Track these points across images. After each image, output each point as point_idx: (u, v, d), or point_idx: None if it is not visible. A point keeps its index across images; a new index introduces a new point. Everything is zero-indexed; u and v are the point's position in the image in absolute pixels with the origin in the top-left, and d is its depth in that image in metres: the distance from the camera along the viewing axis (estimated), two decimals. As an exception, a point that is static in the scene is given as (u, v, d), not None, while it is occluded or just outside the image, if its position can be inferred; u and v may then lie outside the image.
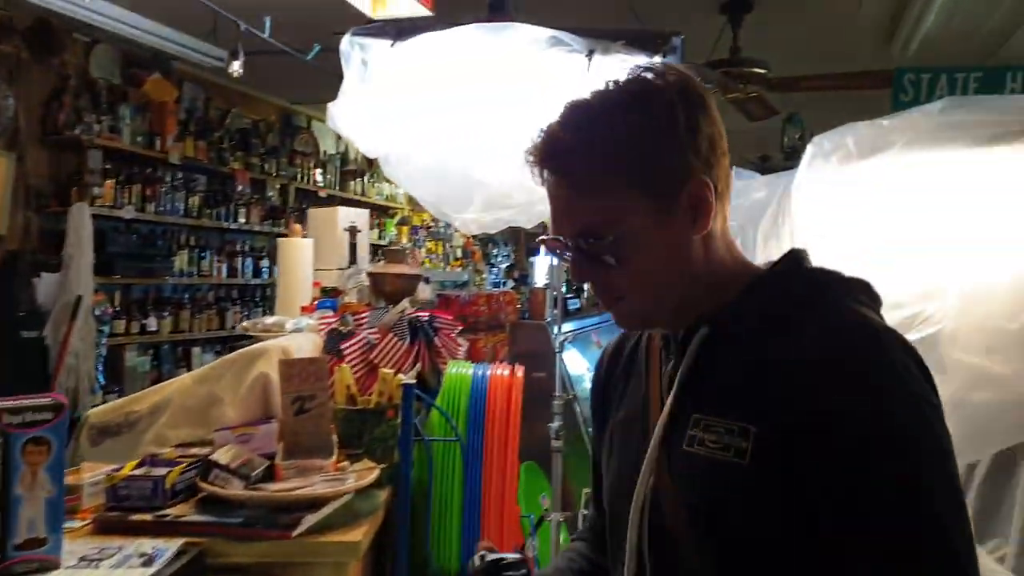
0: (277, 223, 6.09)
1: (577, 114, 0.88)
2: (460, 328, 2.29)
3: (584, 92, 0.90)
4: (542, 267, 4.13)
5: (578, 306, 6.13)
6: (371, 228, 7.57)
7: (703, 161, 0.87)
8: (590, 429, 4.50)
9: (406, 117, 2.60)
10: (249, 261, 5.94)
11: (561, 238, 0.90)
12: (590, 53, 2.34)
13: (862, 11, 4.34)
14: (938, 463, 0.75)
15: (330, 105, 2.64)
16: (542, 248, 1.02)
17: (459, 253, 9.74)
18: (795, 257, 0.92)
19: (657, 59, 2.43)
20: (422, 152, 2.57)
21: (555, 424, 3.34)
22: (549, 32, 2.38)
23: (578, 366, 5.05)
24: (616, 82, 0.88)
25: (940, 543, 0.72)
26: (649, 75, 0.88)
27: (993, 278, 1.17)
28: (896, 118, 1.48)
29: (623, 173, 0.85)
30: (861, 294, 0.87)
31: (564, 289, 6.43)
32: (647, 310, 0.91)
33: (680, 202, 0.86)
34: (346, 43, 2.63)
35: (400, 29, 2.58)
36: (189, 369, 4.60)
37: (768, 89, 4.54)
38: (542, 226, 3.75)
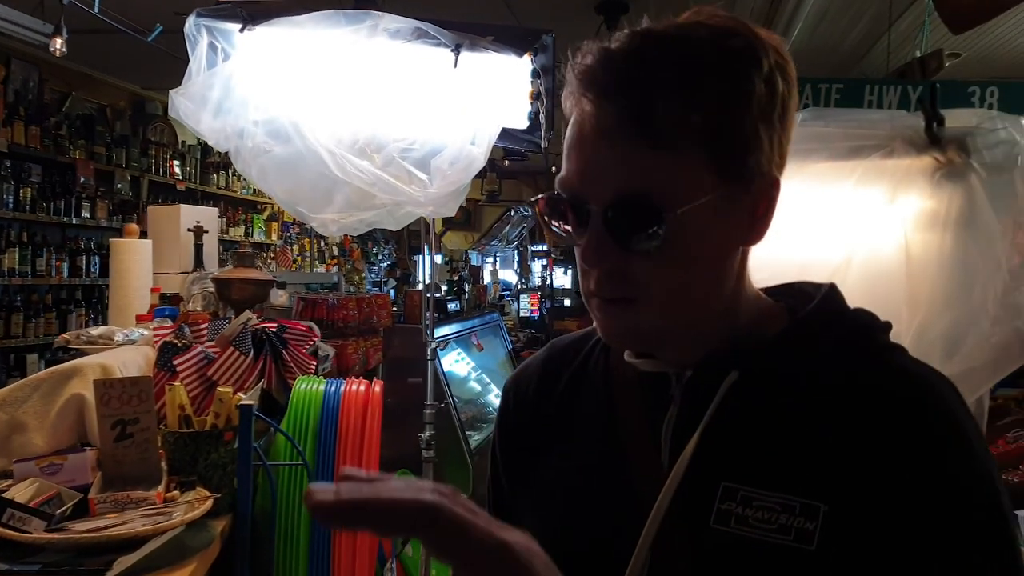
0: (128, 218, 5.60)
1: (663, 45, 0.65)
2: (315, 340, 2.11)
3: (645, 24, 0.66)
4: (425, 266, 3.95)
5: (458, 308, 6.03)
6: (237, 225, 7.18)
7: (779, 156, 0.70)
8: (469, 432, 4.42)
9: (259, 108, 2.40)
10: (96, 259, 5.44)
11: (583, 200, 0.67)
12: (457, 48, 2.23)
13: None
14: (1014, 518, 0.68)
15: (172, 92, 2.40)
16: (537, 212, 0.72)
17: (335, 251, 9.40)
18: (836, 296, 0.76)
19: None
20: (276, 146, 2.38)
21: (426, 434, 3.21)
22: (414, 24, 2.25)
23: (460, 368, 4.95)
24: (705, 25, 0.67)
25: None
26: (751, 37, 0.67)
27: (849, 298, 1.15)
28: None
29: (712, 135, 0.64)
30: (889, 334, 0.75)
31: (445, 290, 6.34)
32: (659, 324, 0.70)
33: (748, 196, 0.68)
34: (191, 25, 2.40)
35: (251, 12, 2.38)
36: (23, 378, 4.13)
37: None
38: (421, 222, 3.60)
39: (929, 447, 0.65)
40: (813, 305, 0.74)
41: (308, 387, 1.79)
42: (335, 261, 9.28)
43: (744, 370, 0.70)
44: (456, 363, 4.92)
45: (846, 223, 1.29)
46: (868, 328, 0.74)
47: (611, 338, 0.74)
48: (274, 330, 1.95)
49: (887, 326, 0.75)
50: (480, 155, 2.28)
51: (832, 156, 1.31)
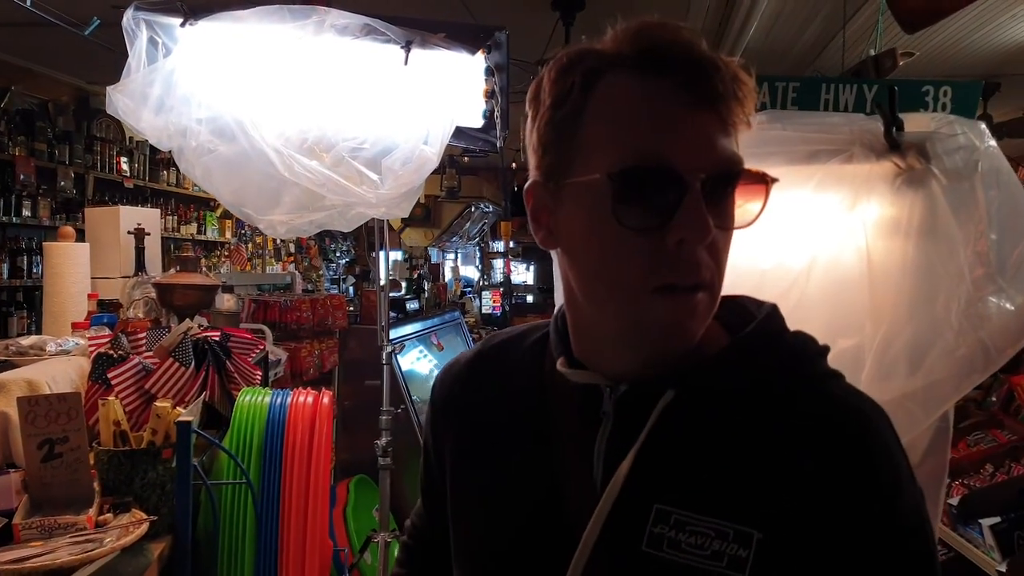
0: (73, 217, 5.40)
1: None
2: (261, 348, 2.02)
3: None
4: (380, 268, 3.85)
5: (418, 307, 5.93)
6: (189, 222, 6.98)
7: None
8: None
9: (202, 105, 2.30)
10: (38, 260, 5.22)
11: (676, 170, 0.62)
12: (407, 44, 2.16)
13: (690, 18, 4.45)
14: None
15: (110, 89, 2.29)
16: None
17: (292, 248, 9.22)
18: (776, 317, 0.74)
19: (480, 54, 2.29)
20: (221, 145, 2.28)
21: (382, 440, 3.14)
22: (363, 20, 2.17)
23: (421, 366, 4.86)
24: None
25: None
26: None
27: (810, 308, 1.12)
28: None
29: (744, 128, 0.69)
30: (826, 358, 0.73)
31: (404, 289, 6.23)
32: (708, 317, 0.68)
33: None
34: (129, 19, 2.29)
35: (192, 6, 2.27)
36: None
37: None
38: (376, 220, 3.50)
39: (864, 481, 0.64)
40: (754, 326, 0.72)
41: (252, 400, 1.70)
42: (292, 258, 9.10)
43: (681, 389, 0.68)
44: (417, 361, 4.84)
45: (806, 230, 1.26)
46: (806, 353, 0.72)
47: (689, 336, 0.66)
48: (217, 339, 1.86)
49: (824, 350, 0.73)
50: (433, 155, 2.21)
51: (790, 160, 1.27)
